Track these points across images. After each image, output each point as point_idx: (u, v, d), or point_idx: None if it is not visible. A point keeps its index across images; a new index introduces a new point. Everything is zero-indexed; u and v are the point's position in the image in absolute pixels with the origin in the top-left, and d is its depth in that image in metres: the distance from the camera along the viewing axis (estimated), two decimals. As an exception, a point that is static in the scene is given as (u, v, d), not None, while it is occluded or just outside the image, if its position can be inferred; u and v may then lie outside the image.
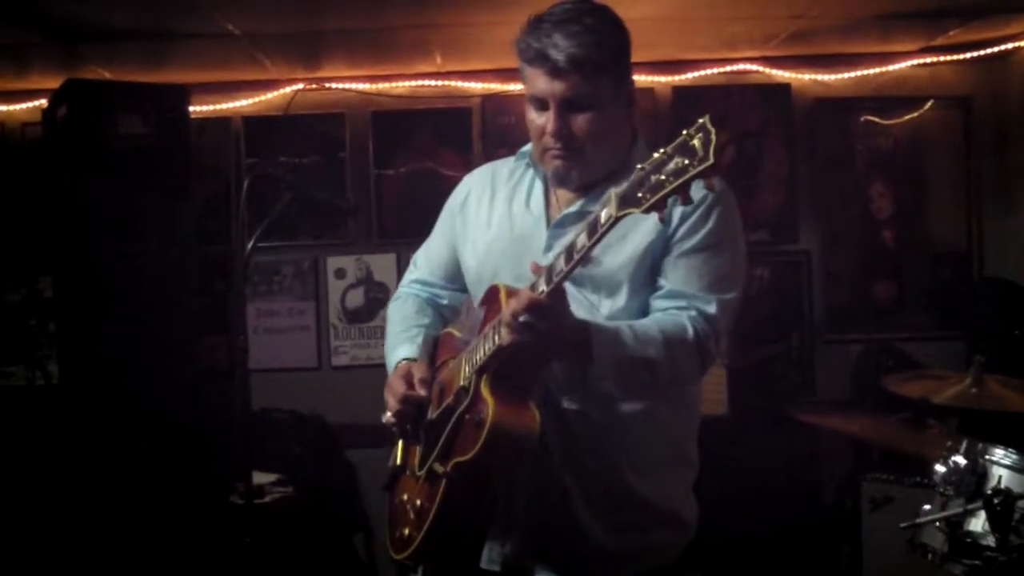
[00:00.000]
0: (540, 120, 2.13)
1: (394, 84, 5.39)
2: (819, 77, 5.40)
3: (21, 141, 5.40)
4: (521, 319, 1.84)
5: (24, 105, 5.38)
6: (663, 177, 1.63)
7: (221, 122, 5.40)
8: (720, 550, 4.28)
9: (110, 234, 4.12)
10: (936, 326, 5.39)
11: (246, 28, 4.48)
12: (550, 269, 1.86)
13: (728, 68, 5.38)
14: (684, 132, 1.63)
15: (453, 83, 5.32)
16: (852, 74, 5.38)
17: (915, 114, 5.40)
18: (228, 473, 3.99)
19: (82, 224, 4.12)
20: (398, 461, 2.31)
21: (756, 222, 5.39)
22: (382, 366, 2.46)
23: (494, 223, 2.31)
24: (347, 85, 5.40)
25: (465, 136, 5.39)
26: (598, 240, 1.77)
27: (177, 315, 4.22)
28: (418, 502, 2.14)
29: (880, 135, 5.42)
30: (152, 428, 4.05)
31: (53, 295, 4.58)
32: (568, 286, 1.95)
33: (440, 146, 5.38)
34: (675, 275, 2.09)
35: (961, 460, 2.58)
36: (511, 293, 1.96)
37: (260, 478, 4.20)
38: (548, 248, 2.15)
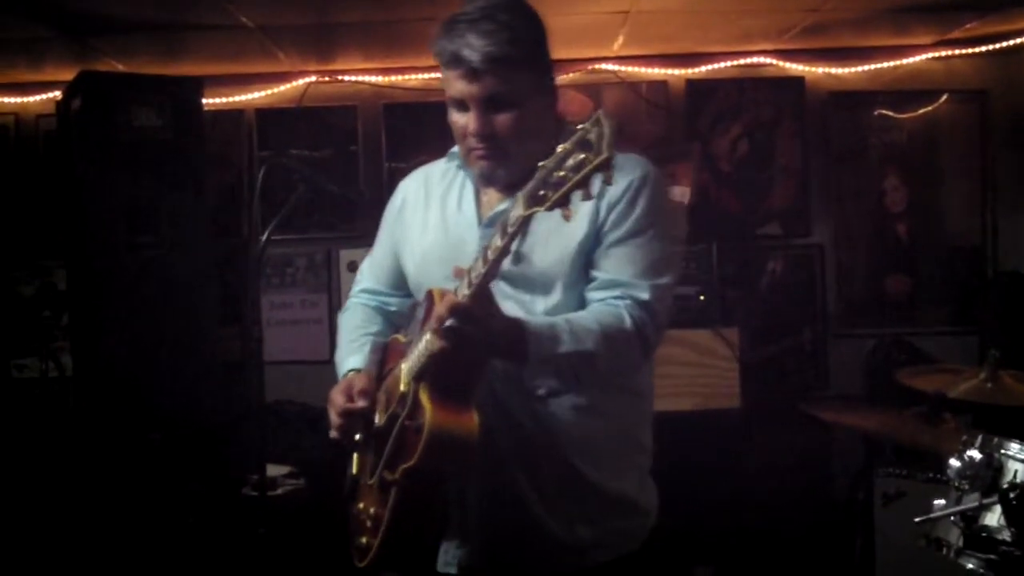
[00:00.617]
0: (462, 121, 2.12)
1: (407, 77, 5.38)
2: (833, 70, 5.38)
3: (35, 133, 5.42)
4: (446, 324, 1.83)
5: (38, 97, 5.40)
6: (563, 174, 1.62)
7: (233, 114, 5.41)
8: (732, 544, 4.29)
9: (123, 226, 4.13)
10: (949, 321, 5.37)
11: (260, 20, 4.49)
12: (470, 272, 1.85)
13: (742, 61, 5.36)
14: (580, 127, 1.62)
15: (465, 76, 5.32)
16: (866, 67, 5.36)
17: (930, 108, 5.37)
18: (241, 465, 4.00)
19: (95, 216, 4.13)
20: (354, 470, 2.30)
21: (768, 215, 5.39)
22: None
23: (430, 227, 2.30)
24: (360, 78, 5.40)
25: (477, 128, 5.37)
26: (511, 241, 1.75)
27: (190, 307, 4.23)
28: (372, 510, 2.14)
29: (894, 129, 5.40)
30: (165, 420, 4.06)
31: (66, 287, 4.60)
32: (503, 286, 1.97)
33: (453, 138, 5.37)
34: (608, 264, 2.08)
35: (977, 454, 2.56)
36: (443, 297, 1.94)
37: (272, 470, 4.21)
38: None
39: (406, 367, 2.07)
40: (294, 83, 5.40)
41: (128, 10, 4.30)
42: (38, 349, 4.80)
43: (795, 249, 5.43)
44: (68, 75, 4.30)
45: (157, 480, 4.00)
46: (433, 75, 5.35)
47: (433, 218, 2.31)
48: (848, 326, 5.41)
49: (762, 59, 5.37)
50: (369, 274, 2.57)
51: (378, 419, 2.18)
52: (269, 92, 5.40)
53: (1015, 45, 5.15)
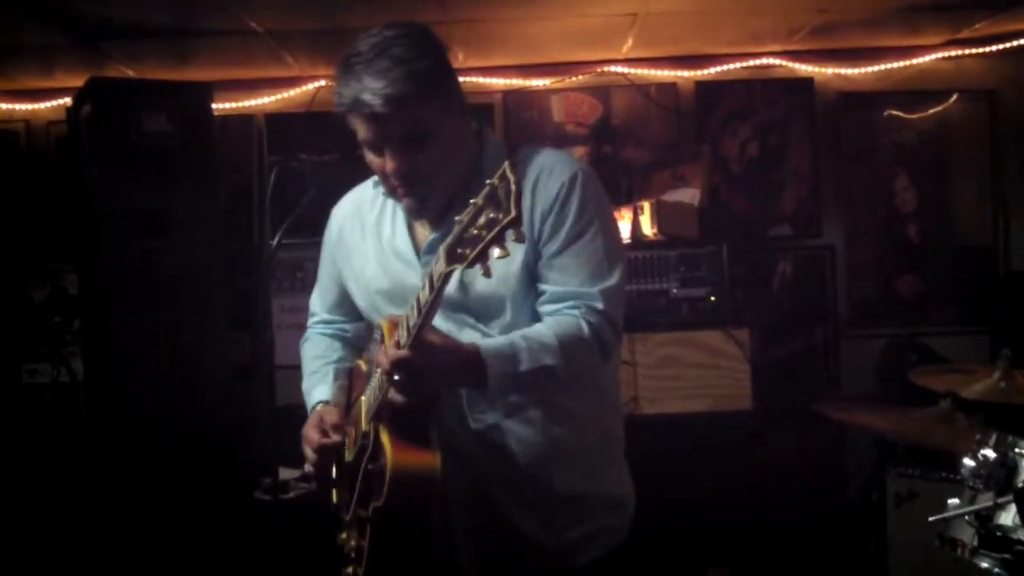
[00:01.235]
0: (378, 162, 2.09)
1: (415, 81, 5.38)
2: (843, 71, 5.37)
3: (46, 139, 5.44)
4: (393, 377, 1.85)
5: (49, 104, 5.41)
6: (475, 232, 1.61)
7: (243, 119, 5.43)
8: (745, 544, 4.28)
9: (134, 231, 4.14)
10: (960, 320, 5.36)
11: (269, 25, 4.50)
12: (407, 319, 1.86)
13: (751, 63, 5.35)
14: (488, 182, 1.61)
15: (474, 79, 5.31)
16: (876, 68, 5.35)
17: (940, 108, 5.36)
18: (253, 469, 4.00)
19: (106, 221, 4.14)
20: (335, 501, 2.33)
21: (779, 216, 5.38)
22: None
23: (370, 258, 2.29)
24: (369, 82, 5.39)
25: (487, 132, 5.38)
26: (438, 295, 1.76)
27: (202, 312, 4.23)
28: (353, 542, 2.16)
29: (904, 129, 5.40)
30: (176, 424, 4.07)
31: (78, 292, 4.61)
32: (455, 314, 2.00)
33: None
34: (554, 276, 2.08)
35: (991, 453, 2.55)
36: (393, 329, 1.94)
37: (284, 474, 4.21)
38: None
39: (365, 404, 2.10)
40: (303, 88, 5.40)
41: (138, 16, 4.31)
42: (49, 354, 4.80)
43: (806, 250, 5.42)
44: (78, 81, 4.31)
45: (169, 484, 4.01)
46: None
47: (371, 248, 2.30)
48: (859, 326, 5.40)
49: (771, 60, 5.36)
50: (320, 305, 2.59)
51: (347, 455, 2.21)
52: (279, 97, 5.41)
53: (1025, 44, 5.14)
